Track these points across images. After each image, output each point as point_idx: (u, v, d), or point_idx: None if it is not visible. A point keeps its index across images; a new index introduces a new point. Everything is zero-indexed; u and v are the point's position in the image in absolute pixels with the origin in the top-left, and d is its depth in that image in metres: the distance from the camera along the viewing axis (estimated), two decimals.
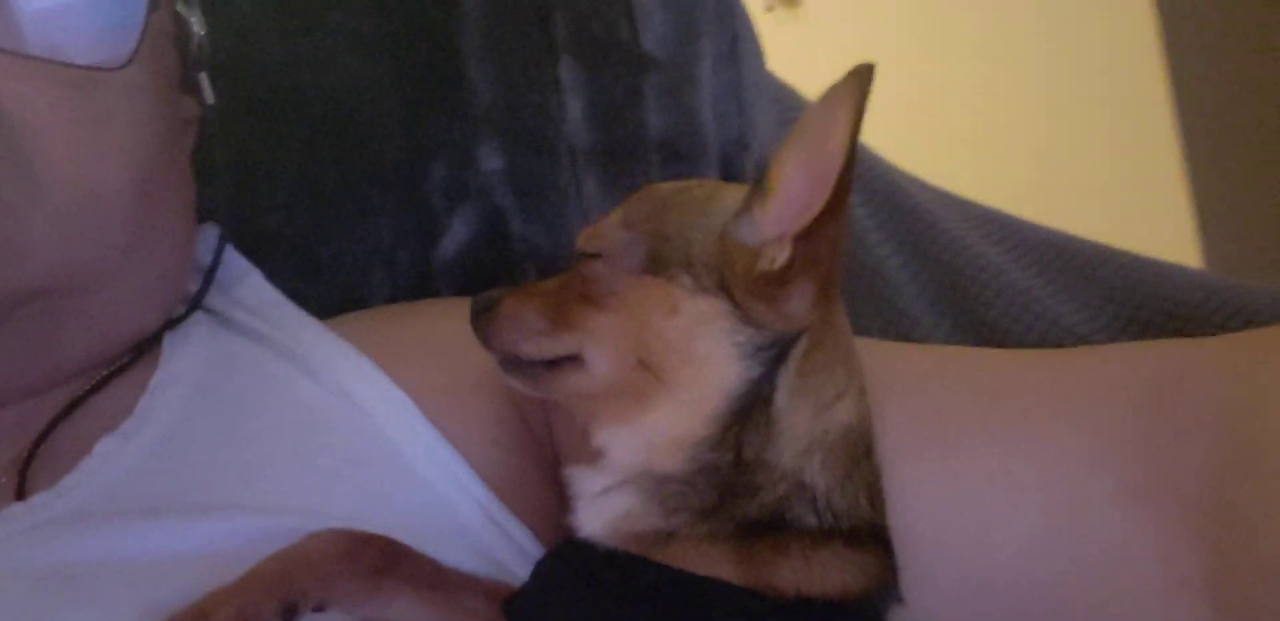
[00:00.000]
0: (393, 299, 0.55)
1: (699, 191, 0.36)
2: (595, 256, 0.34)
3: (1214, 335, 0.44)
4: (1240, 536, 0.31)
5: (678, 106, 0.59)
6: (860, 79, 0.30)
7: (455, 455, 0.41)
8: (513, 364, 0.36)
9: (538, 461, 0.43)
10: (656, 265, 0.33)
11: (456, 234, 0.55)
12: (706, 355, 0.33)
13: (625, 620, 0.31)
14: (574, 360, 0.34)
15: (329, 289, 0.53)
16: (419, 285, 0.56)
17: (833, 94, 0.31)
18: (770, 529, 0.31)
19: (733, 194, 0.35)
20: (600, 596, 0.32)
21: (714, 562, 0.31)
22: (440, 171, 0.56)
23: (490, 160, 0.56)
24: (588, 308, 0.34)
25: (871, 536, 0.32)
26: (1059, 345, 0.51)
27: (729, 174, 0.60)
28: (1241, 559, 0.31)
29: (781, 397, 0.32)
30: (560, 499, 0.37)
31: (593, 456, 0.35)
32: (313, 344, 0.44)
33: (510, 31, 0.57)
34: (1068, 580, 0.33)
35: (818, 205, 0.31)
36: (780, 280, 0.32)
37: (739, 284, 0.33)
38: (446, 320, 0.44)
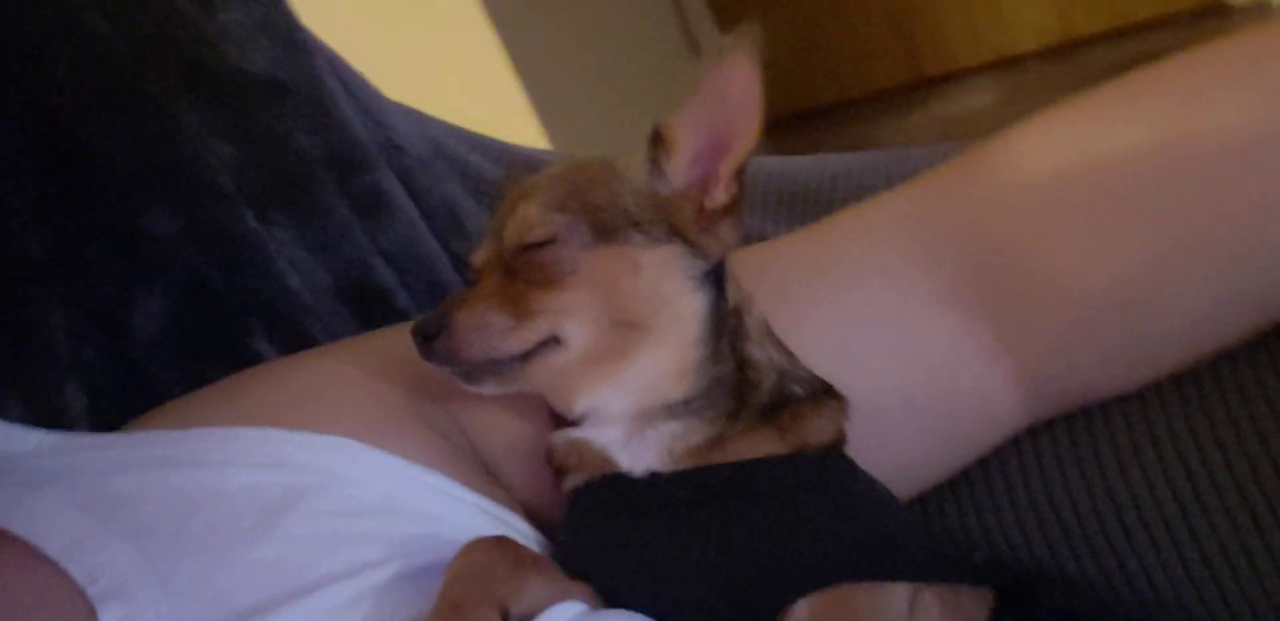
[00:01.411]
0: (96, 403, 0.49)
1: (595, 167, 0.40)
2: (545, 244, 0.37)
3: None
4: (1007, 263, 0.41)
5: (327, 122, 0.60)
6: (750, 39, 0.37)
7: (428, 471, 0.41)
8: (482, 370, 0.38)
9: (491, 456, 0.45)
10: (606, 234, 0.38)
11: (151, 310, 0.52)
12: (675, 293, 0.38)
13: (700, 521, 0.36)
14: (551, 343, 0.37)
15: (21, 414, 0.47)
16: (127, 377, 0.51)
17: (725, 59, 0.37)
18: (779, 406, 0.38)
19: (624, 162, 0.39)
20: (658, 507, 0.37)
21: (763, 444, 0.37)
22: (102, 251, 0.52)
23: (161, 224, 0.53)
24: (550, 291, 0.37)
25: (826, 391, 0.39)
26: None
27: (401, 176, 0.62)
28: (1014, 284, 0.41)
29: (735, 306, 0.39)
30: (535, 477, 0.41)
31: (576, 421, 0.39)
32: (195, 440, 0.41)
33: (117, 85, 0.54)
34: (913, 380, 0.42)
35: (740, 147, 0.38)
36: (723, 214, 0.38)
37: (691, 225, 0.38)
38: (318, 366, 0.46)
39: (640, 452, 0.38)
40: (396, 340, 0.46)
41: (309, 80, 0.61)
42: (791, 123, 2.83)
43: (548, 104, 1.96)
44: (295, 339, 0.56)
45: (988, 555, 0.43)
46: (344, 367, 0.45)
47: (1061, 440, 0.44)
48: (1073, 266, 0.40)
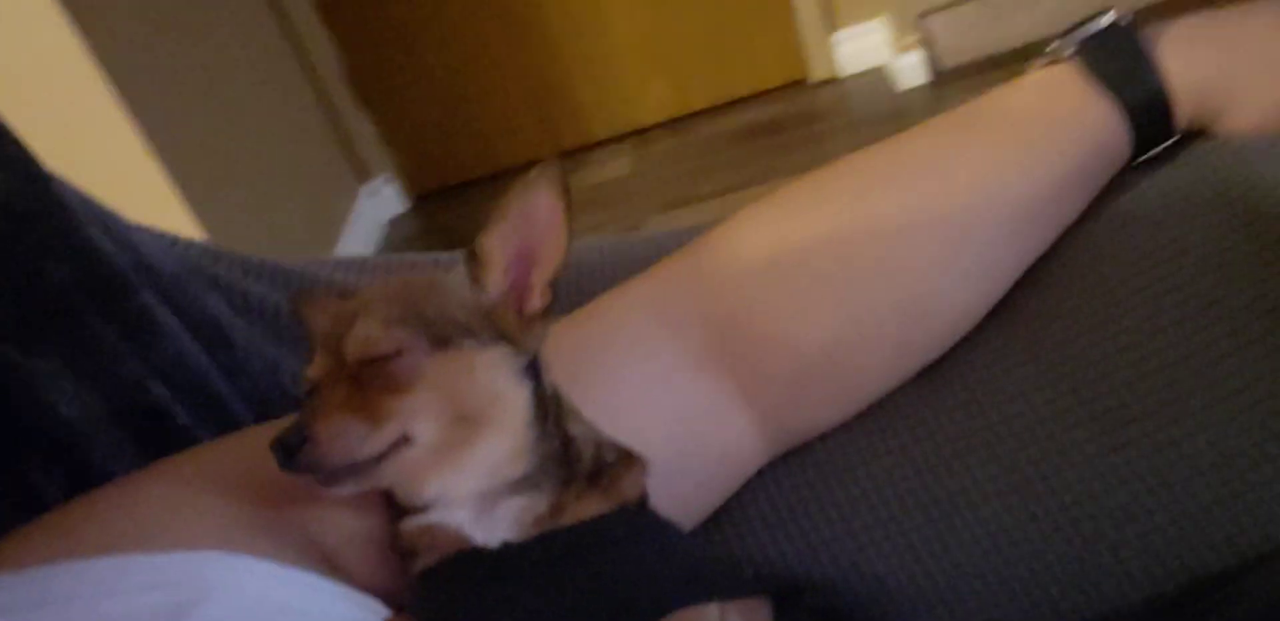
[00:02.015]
0: None
1: (422, 284, 0.46)
2: (393, 356, 0.44)
3: None
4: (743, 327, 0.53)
5: (78, 250, 0.61)
6: (554, 173, 0.45)
7: (297, 570, 0.44)
8: (341, 474, 0.43)
9: (333, 549, 0.48)
10: (442, 342, 0.44)
11: None
12: (505, 387, 0.45)
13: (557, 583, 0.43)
14: (401, 442, 0.44)
15: None
16: None
17: (530, 186, 0.45)
18: (599, 471, 0.46)
19: (446, 278, 0.46)
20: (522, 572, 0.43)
21: (594, 505, 0.45)
22: None
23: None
24: (398, 396, 0.43)
25: (629, 455, 0.47)
26: None
27: (159, 295, 0.64)
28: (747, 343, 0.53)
29: (552, 391, 0.46)
30: (375, 565, 0.47)
31: (422, 508, 0.45)
32: (47, 579, 0.41)
33: None
34: (681, 438, 0.52)
35: (549, 261, 0.45)
36: (540, 316, 0.46)
37: (513, 328, 0.46)
38: (152, 488, 0.48)
39: (492, 527, 0.44)
40: (220, 455, 0.50)
41: (51, 209, 0.62)
42: (446, 195, 2.92)
43: (193, 190, 1.93)
44: (75, 469, 0.57)
45: (753, 570, 0.54)
46: (178, 487, 0.48)
47: (794, 468, 0.55)
48: (787, 328, 0.52)
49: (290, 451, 0.42)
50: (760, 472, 0.55)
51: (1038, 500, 0.49)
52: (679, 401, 0.53)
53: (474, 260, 0.46)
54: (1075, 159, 0.52)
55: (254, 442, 0.50)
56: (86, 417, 0.59)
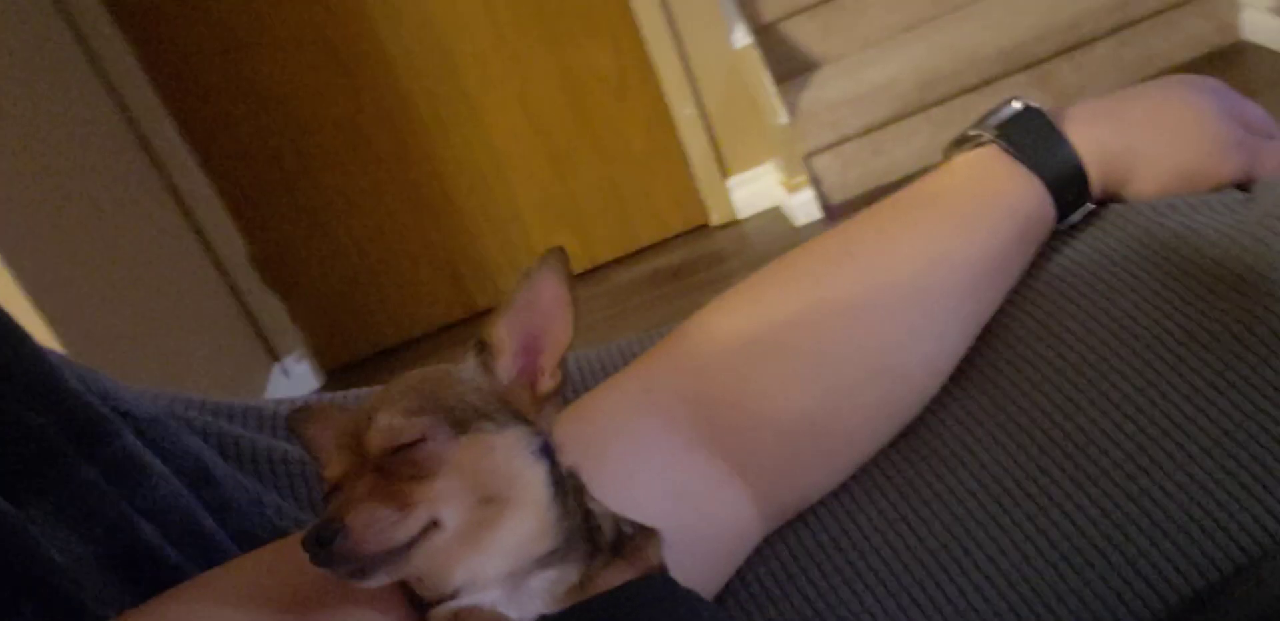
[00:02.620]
0: None
1: (436, 375, 0.49)
2: (415, 444, 0.46)
3: None
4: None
5: (56, 399, 0.63)
6: (558, 260, 0.48)
7: None
8: (374, 564, 0.44)
9: None
10: (462, 427, 0.46)
11: None
12: (524, 466, 0.47)
13: None
14: (430, 527, 0.46)
15: None
16: None
17: (534, 275, 0.49)
18: (620, 544, 0.48)
19: (458, 367, 0.50)
20: None
21: (622, 574, 0.47)
22: None
23: None
24: (423, 482, 0.45)
25: (644, 528, 0.50)
26: None
27: (144, 438, 0.66)
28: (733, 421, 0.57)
29: (567, 469, 0.49)
30: None
31: (453, 592, 0.46)
32: None
33: None
34: (686, 519, 0.54)
35: (556, 345, 0.49)
36: (550, 397, 0.49)
37: (528, 409, 0.49)
38: (178, 611, 0.49)
39: (526, 603, 0.46)
40: (244, 568, 0.51)
41: (27, 362, 0.64)
42: (361, 367, 2.93)
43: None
44: (69, 615, 0.57)
45: None
46: (202, 604, 0.49)
47: (791, 537, 0.58)
48: (769, 405, 0.56)
49: (324, 545, 0.44)
50: (759, 546, 0.58)
51: (1028, 541, 0.53)
52: (673, 482, 0.56)
53: (485, 349, 0.49)
54: (1007, 228, 0.58)
55: (277, 554, 0.51)
56: (77, 561, 0.59)
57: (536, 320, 0.49)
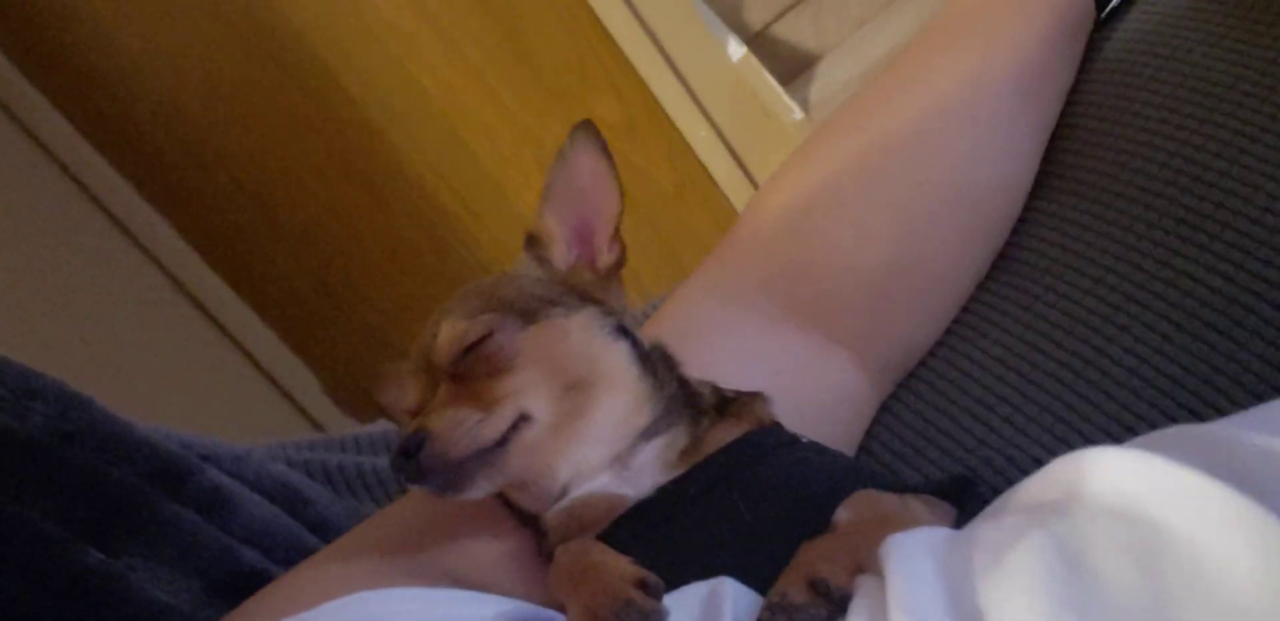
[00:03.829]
0: None
1: (490, 278, 0.49)
2: (483, 340, 0.44)
3: None
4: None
5: (132, 450, 0.64)
6: (587, 133, 0.46)
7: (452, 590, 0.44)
8: (468, 471, 0.42)
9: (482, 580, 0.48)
10: (530, 317, 0.45)
11: None
12: (604, 346, 0.46)
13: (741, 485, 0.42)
14: (520, 422, 0.43)
15: None
16: None
17: (567, 154, 0.47)
18: (725, 405, 0.47)
19: (513, 268, 0.49)
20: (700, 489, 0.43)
21: (732, 430, 0.45)
22: None
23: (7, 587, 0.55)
24: (500, 378, 0.44)
25: (749, 392, 0.48)
26: None
27: (230, 473, 0.67)
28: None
29: (652, 343, 0.48)
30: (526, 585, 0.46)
31: (562, 490, 0.44)
32: None
33: None
34: (791, 393, 0.51)
35: (606, 218, 0.47)
36: (615, 269, 0.49)
37: (594, 288, 0.48)
38: (313, 572, 0.48)
39: (640, 478, 0.44)
40: (363, 529, 0.50)
41: (98, 423, 0.64)
42: None
43: None
44: None
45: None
46: (331, 566, 0.48)
47: (913, 395, 0.55)
48: (845, 257, 0.54)
49: (410, 457, 0.42)
50: (885, 408, 0.55)
51: (1163, 319, 0.49)
52: (766, 360, 0.54)
53: (535, 243, 0.48)
54: (1044, 25, 0.56)
55: (387, 514, 0.50)
56: (186, 596, 0.58)
57: (580, 200, 0.48)
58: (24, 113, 2.45)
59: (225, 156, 2.63)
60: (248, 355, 2.72)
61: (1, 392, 0.63)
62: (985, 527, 0.36)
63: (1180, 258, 0.49)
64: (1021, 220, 0.55)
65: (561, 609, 0.40)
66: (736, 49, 2.30)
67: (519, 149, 2.64)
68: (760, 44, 2.29)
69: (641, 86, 2.46)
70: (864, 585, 0.35)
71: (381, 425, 0.75)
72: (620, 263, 0.48)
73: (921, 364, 0.55)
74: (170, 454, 0.64)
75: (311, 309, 2.77)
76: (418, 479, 0.42)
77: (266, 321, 2.75)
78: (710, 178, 2.72)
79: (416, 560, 0.46)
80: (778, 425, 0.46)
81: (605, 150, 0.48)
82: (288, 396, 2.80)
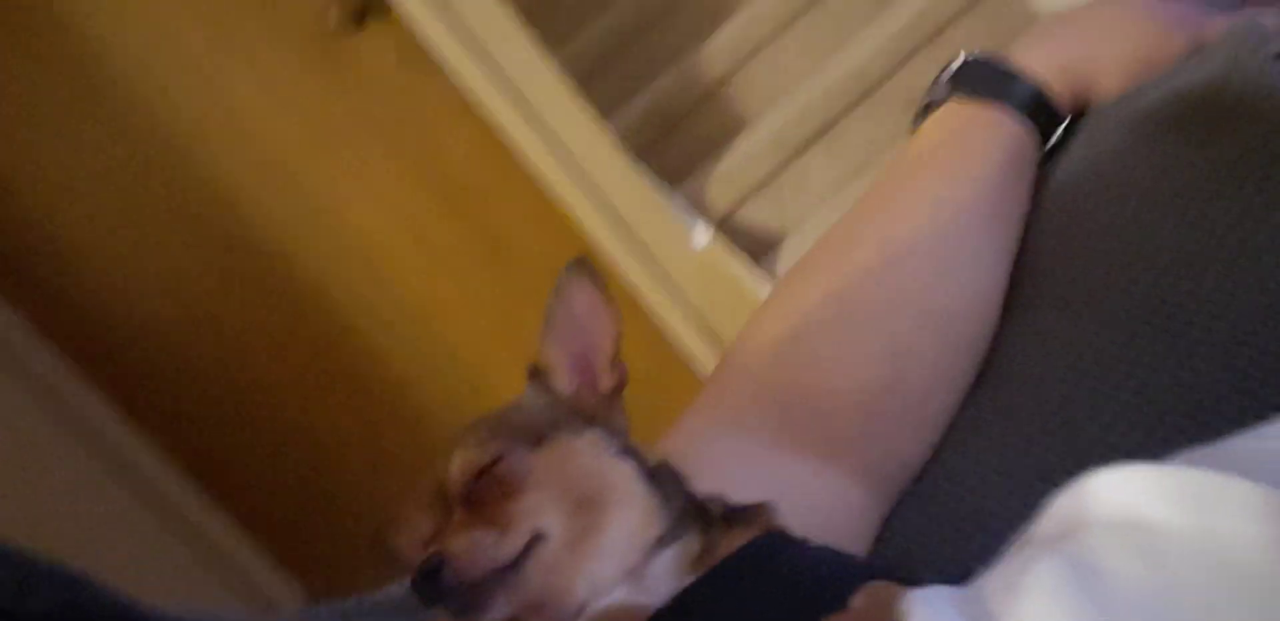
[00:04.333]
0: None
1: (494, 411, 0.51)
2: (496, 463, 0.46)
3: None
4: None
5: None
6: (581, 268, 0.50)
7: None
8: (487, 593, 0.43)
9: None
10: (539, 441, 0.47)
11: None
12: (611, 465, 0.47)
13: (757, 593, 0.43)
14: (535, 540, 0.44)
15: None
16: None
17: (562, 288, 0.50)
18: (734, 514, 0.47)
19: (518, 399, 0.51)
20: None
21: (744, 536, 0.46)
22: None
23: None
24: (515, 498, 0.45)
25: (756, 502, 0.49)
26: None
27: None
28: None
29: (658, 461, 0.49)
30: None
31: (581, 606, 0.44)
32: None
33: None
34: (795, 517, 0.51)
35: (605, 345, 0.50)
36: (616, 392, 0.50)
37: (598, 410, 0.49)
38: None
39: (656, 585, 0.44)
40: None
41: (98, 599, 0.64)
42: None
43: None
44: None
45: None
46: None
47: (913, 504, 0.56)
48: (832, 381, 0.56)
49: (430, 579, 0.43)
50: (887, 521, 0.56)
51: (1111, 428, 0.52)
52: (772, 483, 0.54)
53: (539, 374, 0.51)
54: (995, 162, 0.61)
55: None
56: None
57: (579, 330, 0.51)
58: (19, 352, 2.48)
59: (206, 373, 2.66)
60: (232, 566, 2.67)
61: (1, 576, 0.63)
62: (999, 567, 0.37)
63: (1147, 354, 0.52)
64: (998, 335, 0.59)
65: None
66: (703, 235, 2.41)
67: (497, 346, 2.69)
68: (727, 228, 2.39)
69: (612, 273, 2.55)
70: None
71: (397, 588, 0.75)
72: (622, 383, 0.51)
73: (918, 478, 0.57)
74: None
75: (297, 510, 2.74)
76: (438, 601, 0.43)
77: (253, 534, 2.71)
78: (688, 359, 2.77)
79: None
80: (785, 530, 0.47)
81: (599, 282, 0.51)
82: (273, 605, 2.72)
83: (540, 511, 0.45)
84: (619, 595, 0.45)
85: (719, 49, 2.41)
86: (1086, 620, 0.31)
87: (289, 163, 2.48)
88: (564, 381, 0.50)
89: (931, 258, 0.58)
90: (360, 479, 2.78)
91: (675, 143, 2.44)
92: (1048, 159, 0.63)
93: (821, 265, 0.61)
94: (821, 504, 0.55)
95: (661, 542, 0.45)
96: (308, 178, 2.52)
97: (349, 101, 2.49)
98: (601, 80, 2.55)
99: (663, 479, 0.48)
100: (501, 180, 2.54)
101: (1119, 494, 0.35)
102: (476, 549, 0.43)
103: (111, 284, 2.58)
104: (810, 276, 0.61)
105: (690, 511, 0.47)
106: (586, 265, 0.51)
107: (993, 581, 0.37)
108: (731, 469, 0.56)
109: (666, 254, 2.50)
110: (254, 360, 2.65)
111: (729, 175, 2.35)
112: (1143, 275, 0.54)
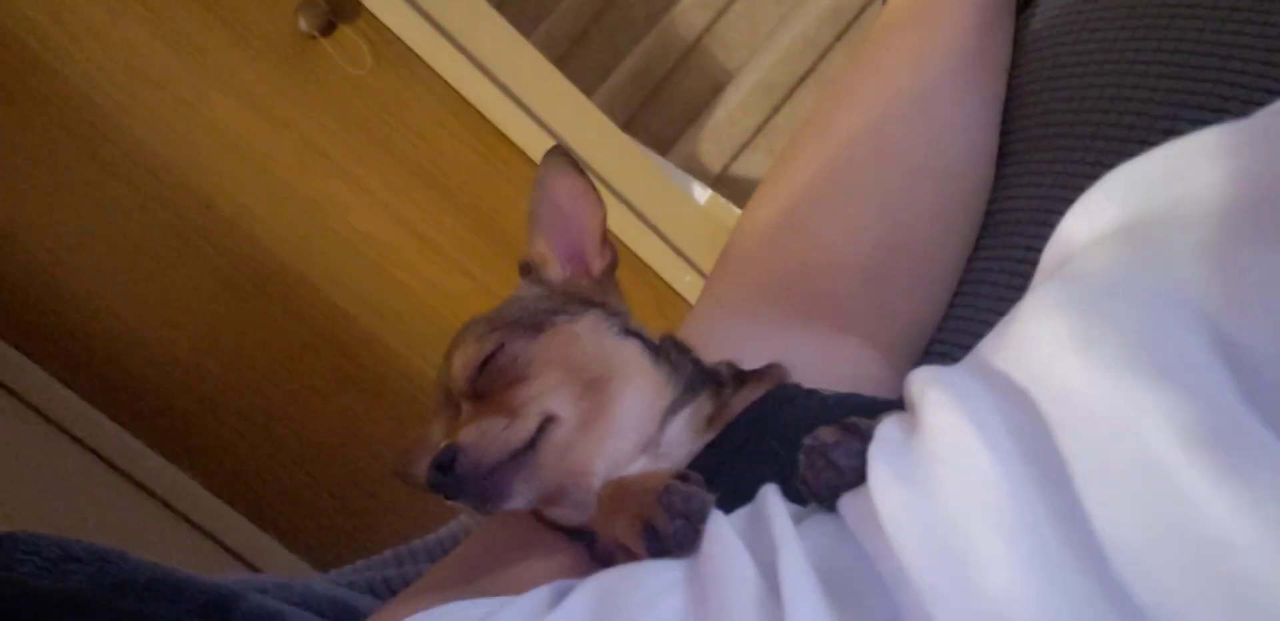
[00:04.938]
0: None
1: (490, 311, 0.51)
2: (497, 353, 0.46)
3: None
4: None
5: (177, 589, 0.62)
6: (558, 157, 0.49)
7: None
8: (504, 482, 0.43)
9: None
10: (538, 327, 0.46)
11: None
12: (614, 344, 0.48)
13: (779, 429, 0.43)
14: (548, 423, 0.44)
15: None
16: None
17: (542, 180, 0.49)
18: (743, 375, 0.48)
19: (513, 295, 0.51)
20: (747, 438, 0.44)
21: (756, 392, 0.47)
22: None
23: None
24: (520, 384, 0.45)
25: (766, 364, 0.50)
26: None
27: (275, 595, 0.67)
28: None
29: (662, 337, 0.50)
30: None
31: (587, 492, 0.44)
32: None
33: None
34: (814, 382, 0.51)
35: (591, 229, 0.48)
36: (609, 273, 0.51)
37: (593, 291, 0.49)
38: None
39: (675, 450, 0.44)
40: (432, 575, 0.49)
41: (138, 570, 0.63)
42: None
43: None
44: None
45: None
46: (415, 601, 0.47)
47: None
48: (837, 253, 0.56)
49: (446, 472, 0.42)
50: None
51: None
52: (787, 361, 0.54)
53: (530, 269, 0.50)
54: (973, 14, 0.60)
55: (456, 554, 0.49)
56: None
57: (564, 218, 0.50)
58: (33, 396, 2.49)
59: (226, 396, 2.66)
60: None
61: (38, 562, 0.63)
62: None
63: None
64: (997, 187, 0.57)
65: (619, 549, 0.41)
66: (702, 193, 2.40)
67: None
68: (724, 185, 2.37)
69: (620, 246, 2.52)
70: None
71: (442, 531, 0.75)
72: (614, 264, 0.50)
73: (935, 340, 0.56)
74: (213, 586, 0.63)
75: (335, 530, 2.74)
76: (456, 493, 0.42)
77: (294, 550, 2.71)
78: None
79: (467, 592, 0.45)
80: (799, 384, 0.46)
81: (577, 168, 0.50)
82: None
83: (548, 394, 0.45)
84: (639, 465, 0.44)
85: (691, 7, 2.39)
86: (1073, 314, 0.30)
87: (281, 174, 2.48)
88: (556, 272, 0.50)
89: (917, 115, 0.57)
90: (388, 487, 2.78)
91: (662, 108, 2.43)
92: (1024, 8, 0.62)
93: (807, 143, 0.60)
94: (841, 376, 0.54)
95: (673, 408, 0.45)
96: (302, 187, 2.51)
97: (331, 105, 2.48)
98: (580, 56, 2.54)
99: (668, 351, 0.48)
100: (494, 167, 2.52)
101: (1090, 219, 0.34)
102: (487, 436, 0.43)
103: (126, 321, 2.59)
104: (797, 156, 0.60)
105: (699, 377, 0.46)
106: (562, 154, 0.50)
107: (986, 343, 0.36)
108: (744, 354, 0.55)
109: (669, 219, 2.48)
110: (271, 375, 2.65)
111: (720, 130, 2.33)
112: (1129, 103, 0.53)
